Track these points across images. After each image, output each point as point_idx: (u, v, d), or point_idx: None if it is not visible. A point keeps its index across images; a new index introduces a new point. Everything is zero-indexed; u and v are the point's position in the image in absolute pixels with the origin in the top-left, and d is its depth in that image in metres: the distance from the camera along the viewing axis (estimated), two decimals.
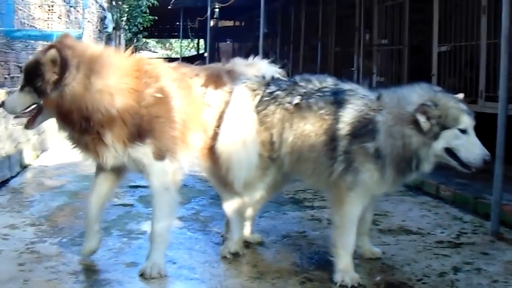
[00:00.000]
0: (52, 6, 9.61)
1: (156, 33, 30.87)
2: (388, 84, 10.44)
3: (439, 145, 3.89)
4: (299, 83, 4.55)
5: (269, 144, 4.51)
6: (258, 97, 4.58)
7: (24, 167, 7.92)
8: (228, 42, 27.39)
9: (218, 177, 4.64)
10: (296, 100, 4.41)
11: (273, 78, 4.78)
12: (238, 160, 4.40)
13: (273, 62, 5.21)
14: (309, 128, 4.29)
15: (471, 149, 3.86)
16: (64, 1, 10.36)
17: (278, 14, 17.14)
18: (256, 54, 5.43)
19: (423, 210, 6.30)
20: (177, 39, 37.90)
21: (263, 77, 4.76)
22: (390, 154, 4.01)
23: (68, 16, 11.10)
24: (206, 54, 26.14)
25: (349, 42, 13.08)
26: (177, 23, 27.36)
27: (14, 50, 7.68)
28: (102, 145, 4.09)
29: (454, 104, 3.96)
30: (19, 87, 4.15)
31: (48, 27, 9.03)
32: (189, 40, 34.94)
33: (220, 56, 23.09)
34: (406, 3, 10.49)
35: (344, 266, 4.19)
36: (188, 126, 4.42)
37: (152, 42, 41.44)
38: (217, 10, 18.13)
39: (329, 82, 4.51)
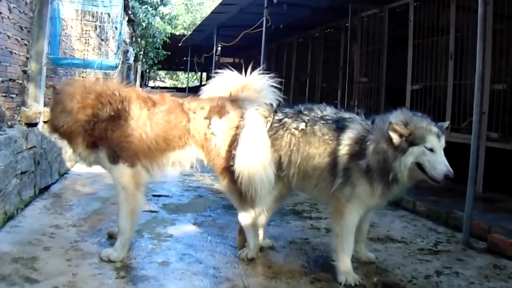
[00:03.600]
0: (88, 39, 9.64)
1: (166, 66, 30.87)
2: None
3: (407, 159, 3.93)
4: (303, 111, 4.55)
5: (278, 164, 4.51)
6: (269, 123, 4.58)
7: (61, 175, 7.85)
8: None
9: (236, 193, 4.60)
10: (302, 126, 4.43)
11: (278, 105, 4.77)
12: (260, 179, 4.38)
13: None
14: (314, 150, 4.32)
15: (435, 165, 3.89)
16: (97, 36, 10.36)
17: (273, 53, 17.22)
18: None
19: (403, 222, 6.29)
20: (183, 71, 38.02)
21: (271, 105, 4.75)
22: (375, 168, 4.06)
23: (100, 48, 11.12)
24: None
25: (334, 79, 13.13)
26: (184, 58, 27.42)
27: (57, 75, 7.66)
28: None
29: (425, 125, 3.99)
30: None
31: (84, 57, 9.02)
32: (193, 73, 34.98)
33: None
34: (384, 48, 10.54)
35: (345, 268, 4.20)
36: (155, 143, 4.52)
37: (161, 73, 41.43)
38: (219, 48, 18.10)
39: (329, 110, 4.52)
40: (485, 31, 5.67)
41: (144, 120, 4.51)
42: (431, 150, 3.92)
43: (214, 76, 5.13)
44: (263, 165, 4.40)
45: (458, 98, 8.30)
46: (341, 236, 4.21)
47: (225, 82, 4.98)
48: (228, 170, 4.54)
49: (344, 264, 4.20)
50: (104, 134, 4.42)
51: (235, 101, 4.76)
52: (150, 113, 4.55)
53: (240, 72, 4.98)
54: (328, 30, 13.98)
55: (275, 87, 4.95)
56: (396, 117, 4.06)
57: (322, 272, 4.37)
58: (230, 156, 4.50)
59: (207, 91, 5.02)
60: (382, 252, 5.06)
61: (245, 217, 4.64)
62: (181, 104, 4.69)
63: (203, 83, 31.21)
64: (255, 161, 4.37)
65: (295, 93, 15.68)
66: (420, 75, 9.15)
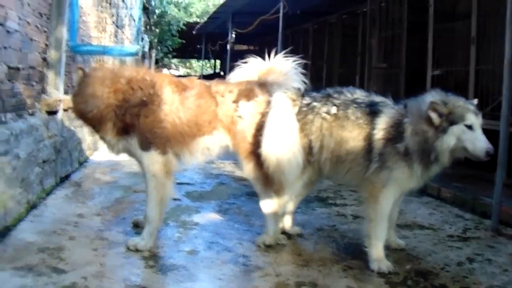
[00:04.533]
0: (105, 26, 9.58)
1: (180, 54, 30.76)
2: None
3: (449, 138, 3.89)
4: (333, 94, 4.45)
5: (308, 148, 4.41)
6: (297, 107, 4.48)
7: (81, 163, 7.80)
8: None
9: (261, 178, 4.51)
10: (334, 110, 4.33)
11: (306, 90, 4.66)
12: (289, 163, 4.28)
13: None
14: (348, 134, 4.22)
15: (476, 143, 3.86)
16: (113, 23, 10.28)
17: (289, 40, 17.06)
18: None
19: (429, 209, 6.19)
20: (196, 59, 37.92)
21: (299, 89, 4.64)
22: (415, 150, 4.00)
23: (116, 35, 11.05)
24: (222, 73, 26.13)
25: (352, 65, 12.98)
26: (198, 45, 27.33)
27: (75, 62, 7.58)
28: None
29: (462, 104, 3.96)
30: None
31: (101, 44, 8.96)
32: (207, 60, 34.89)
33: None
34: (403, 33, 10.38)
35: (377, 255, 4.11)
36: (187, 129, 4.42)
37: (175, 61, 41.35)
38: (234, 35, 17.97)
39: (360, 93, 4.42)
40: None
41: (177, 105, 4.41)
42: (470, 127, 3.88)
43: (232, 64, 5.05)
44: (292, 148, 4.30)
45: (480, 83, 8.17)
46: (375, 221, 4.12)
47: (251, 67, 4.88)
48: (254, 154, 4.43)
49: (377, 251, 4.11)
50: (136, 120, 4.31)
51: (264, 84, 4.66)
52: (182, 98, 4.45)
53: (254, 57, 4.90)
54: (346, 15, 13.81)
55: (300, 70, 4.85)
56: (433, 98, 3.97)
57: (353, 260, 4.28)
58: (256, 140, 4.40)
59: (233, 78, 4.92)
60: (411, 239, 4.97)
61: (267, 204, 4.54)
62: (209, 87, 4.60)
63: (217, 71, 31.21)
64: (284, 144, 4.27)
65: (312, 80, 15.48)
66: (441, 60, 9.01)
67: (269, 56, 4.87)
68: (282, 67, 4.83)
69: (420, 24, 9.83)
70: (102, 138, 4.53)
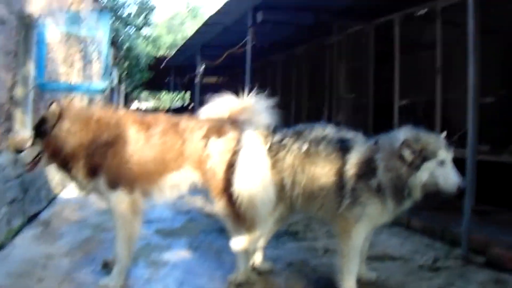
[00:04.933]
0: (72, 62, 9.54)
1: (149, 87, 30.68)
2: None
3: (423, 175, 3.94)
4: (304, 131, 4.47)
5: (280, 185, 4.41)
6: (268, 144, 4.49)
7: (49, 201, 7.69)
8: (210, 95, 27.36)
9: (232, 215, 4.48)
10: (305, 147, 4.34)
11: (276, 127, 4.68)
12: (262, 200, 4.28)
13: None
14: (320, 171, 4.23)
15: (448, 178, 3.93)
16: (82, 59, 10.26)
17: (257, 72, 17.15)
18: None
19: (399, 239, 6.21)
20: (166, 92, 37.81)
21: (269, 126, 4.67)
22: (388, 186, 4.03)
23: (84, 71, 11.02)
24: (191, 106, 26.10)
25: (320, 96, 13.08)
26: (167, 78, 27.30)
27: (43, 99, 7.53)
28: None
29: (434, 140, 4.02)
30: (29, 144, 4.51)
31: (69, 80, 8.92)
32: (176, 93, 34.86)
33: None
34: (370, 64, 10.52)
35: None
36: (154, 167, 4.44)
37: (144, 94, 41.27)
38: (202, 68, 18.00)
39: (331, 130, 4.45)
40: (475, 45, 5.61)
41: (142, 144, 4.42)
42: (442, 163, 3.93)
43: (201, 97, 5.09)
44: (264, 186, 4.30)
45: (447, 112, 8.29)
46: (348, 256, 4.14)
47: (223, 104, 4.90)
48: (225, 192, 4.42)
49: (350, 286, 4.11)
50: (103, 160, 4.32)
51: (234, 122, 4.68)
52: (147, 136, 4.46)
53: (225, 92, 4.92)
54: (313, 47, 13.94)
55: (273, 109, 4.89)
56: (405, 134, 4.02)
57: None
58: (227, 178, 4.39)
59: (204, 113, 4.92)
60: (382, 270, 4.97)
61: (238, 241, 4.52)
62: (176, 124, 4.61)
63: (186, 103, 31.16)
64: (256, 182, 4.28)
65: (281, 112, 15.54)
66: (408, 90, 9.14)
67: (241, 92, 4.92)
68: (256, 106, 4.87)
69: (386, 54, 9.98)
70: (73, 178, 4.49)
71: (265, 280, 4.65)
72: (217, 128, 4.58)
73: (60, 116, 4.36)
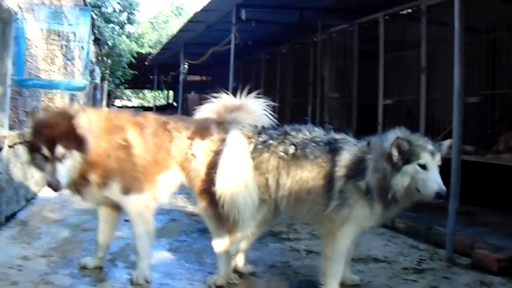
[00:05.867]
0: (53, 59, 9.38)
1: (133, 85, 30.53)
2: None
3: (403, 177, 3.82)
4: (290, 133, 4.35)
5: (263, 187, 4.29)
6: (253, 145, 4.38)
7: (28, 200, 7.53)
8: (193, 93, 27.31)
9: (214, 216, 4.42)
10: (292, 150, 4.22)
11: (263, 127, 4.58)
12: (244, 199, 4.18)
13: None
14: (307, 174, 4.12)
15: (427, 183, 3.79)
16: (63, 56, 10.10)
17: (240, 70, 17.06)
18: None
19: (383, 240, 6.16)
20: (149, 90, 37.67)
21: (256, 126, 4.57)
22: (374, 187, 3.93)
23: (66, 68, 10.86)
24: (175, 104, 26.00)
25: (304, 95, 13.01)
26: (151, 76, 27.19)
27: (22, 97, 7.38)
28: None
29: (421, 143, 3.90)
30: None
31: (50, 77, 8.76)
32: (160, 91, 34.73)
33: (188, 105, 22.92)
34: (354, 63, 10.45)
35: None
36: (151, 168, 4.45)
37: (127, 91, 41.02)
38: (186, 66, 17.88)
39: (319, 132, 4.34)
40: (461, 44, 5.55)
41: (143, 146, 4.44)
42: (424, 167, 3.81)
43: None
44: (246, 185, 4.21)
45: (431, 111, 8.24)
46: (332, 259, 4.03)
47: (219, 104, 4.91)
48: (207, 192, 4.35)
49: None
50: (116, 165, 4.32)
51: (221, 123, 4.66)
52: (143, 138, 4.48)
53: (208, 90, 4.94)
54: (297, 45, 13.88)
55: (268, 110, 4.94)
56: (396, 135, 3.93)
57: None
58: (210, 179, 4.31)
59: (199, 113, 4.97)
60: (366, 273, 4.90)
61: (220, 243, 4.45)
62: (164, 123, 4.62)
63: (169, 101, 31.02)
64: (238, 181, 4.18)
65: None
66: (392, 89, 9.08)
67: (224, 90, 4.98)
68: (251, 106, 4.88)
69: (371, 53, 9.92)
70: (85, 189, 4.36)
71: (246, 283, 4.54)
72: (202, 130, 4.58)
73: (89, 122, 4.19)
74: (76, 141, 4.02)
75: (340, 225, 3.99)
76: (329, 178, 4.05)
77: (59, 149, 3.97)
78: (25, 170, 7.28)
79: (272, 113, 4.98)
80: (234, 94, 4.95)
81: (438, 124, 8.00)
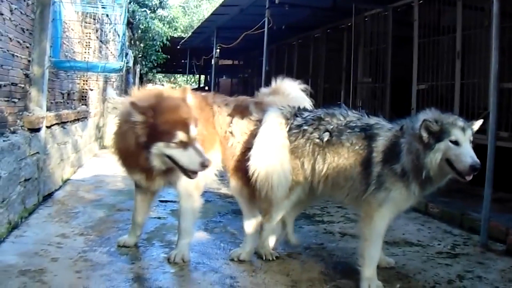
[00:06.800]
0: (89, 42, 9.47)
1: (165, 69, 30.64)
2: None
3: (436, 155, 3.82)
4: (324, 118, 4.36)
5: (298, 169, 4.33)
6: (289, 126, 4.40)
7: (64, 181, 7.66)
8: (225, 78, 27.38)
9: (247, 196, 4.51)
10: (326, 136, 4.23)
11: (299, 108, 4.59)
12: (277, 179, 4.22)
13: None
14: (344, 161, 4.14)
15: (461, 158, 3.77)
16: (98, 39, 10.20)
17: (273, 55, 17.04)
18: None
19: (417, 225, 6.13)
20: (181, 74, 37.81)
21: (293, 107, 4.58)
22: (409, 169, 3.94)
23: (100, 51, 10.97)
24: (206, 88, 26.07)
25: (337, 79, 12.96)
26: (183, 60, 27.26)
27: (58, 79, 7.47)
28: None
29: (451, 120, 3.89)
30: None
31: (85, 60, 8.86)
32: (191, 75, 34.83)
33: (220, 89, 22.99)
34: (388, 47, 10.36)
35: (370, 274, 4.02)
36: (206, 146, 4.35)
37: (159, 75, 41.19)
38: (218, 50, 17.89)
39: (352, 116, 4.33)
40: (498, 29, 5.46)
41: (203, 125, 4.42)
42: (456, 143, 3.80)
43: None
44: (281, 164, 4.25)
45: (466, 97, 8.15)
46: (370, 240, 4.04)
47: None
48: (242, 171, 4.41)
49: (370, 270, 4.01)
50: None
51: (260, 103, 4.68)
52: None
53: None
54: (330, 30, 13.79)
55: (305, 93, 4.99)
56: (427, 116, 3.92)
57: (342, 279, 4.20)
58: (244, 158, 4.35)
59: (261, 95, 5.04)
60: (400, 256, 4.90)
61: (251, 223, 4.55)
62: (204, 97, 4.68)
63: (201, 85, 31.13)
64: (273, 159, 4.23)
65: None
66: (426, 74, 8.99)
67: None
68: (287, 88, 4.92)
69: (405, 38, 9.82)
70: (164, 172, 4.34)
71: (281, 264, 4.56)
72: (242, 108, 4.61)
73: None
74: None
75: (378, 207, 4.00)
76: (367, 164, 4.06)
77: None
78: (61, 151, 7.41)
79: (308, 95, 5.02)
80: (268, 78, 4.99)
81: (473, 109, 7.90)
